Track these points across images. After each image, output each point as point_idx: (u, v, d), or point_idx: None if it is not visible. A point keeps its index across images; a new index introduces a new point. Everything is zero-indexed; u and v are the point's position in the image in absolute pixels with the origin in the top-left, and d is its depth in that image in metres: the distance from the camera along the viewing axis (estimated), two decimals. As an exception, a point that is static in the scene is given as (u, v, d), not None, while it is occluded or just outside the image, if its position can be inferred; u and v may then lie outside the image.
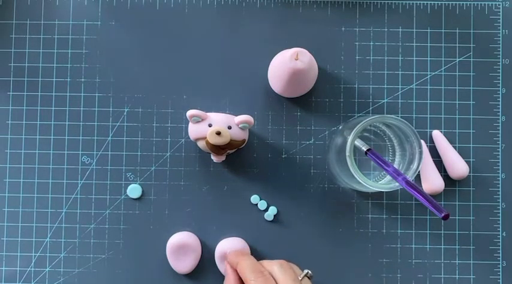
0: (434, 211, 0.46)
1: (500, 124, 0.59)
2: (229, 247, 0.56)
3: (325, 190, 0.59)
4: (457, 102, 0.59)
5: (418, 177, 0.58)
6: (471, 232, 0.58)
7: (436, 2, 0.60)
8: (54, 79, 0.59)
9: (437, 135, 0.58)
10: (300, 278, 0.49)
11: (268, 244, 0.58)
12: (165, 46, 0.59)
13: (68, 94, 0.59)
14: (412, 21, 0.59)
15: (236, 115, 0.54)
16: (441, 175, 0.58)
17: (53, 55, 0.59)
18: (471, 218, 0.58)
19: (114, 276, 0.58)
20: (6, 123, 0.59)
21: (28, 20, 0.59)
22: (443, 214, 0.45)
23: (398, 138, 0.54)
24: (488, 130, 0.59)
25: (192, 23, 0.59)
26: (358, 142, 0.52)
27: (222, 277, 0.57)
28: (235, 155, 0.58)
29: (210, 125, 0.54)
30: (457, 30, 0.59)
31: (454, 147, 0.58)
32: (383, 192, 0.58)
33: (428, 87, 0.59)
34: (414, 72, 0.59)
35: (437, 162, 0.58)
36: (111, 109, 0.59)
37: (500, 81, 0.59)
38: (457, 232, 0.58)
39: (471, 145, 0.59)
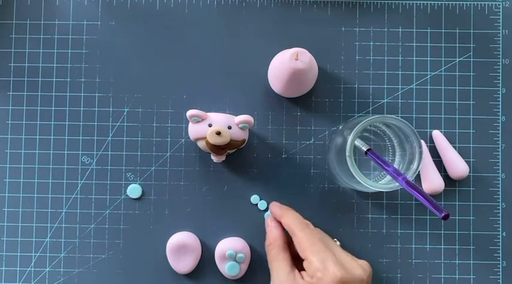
0: (434, 211, 0.46)
1: (500, 124, 0.59)
2: (229, 247, 0.56)
3: (325, 190, 0.59)
4: (457, 102, 0.59)
5: (418, 177, 0.58)
6: (471, 232, 0.58)
7: (436, 2, 0.60)
8: (54, 79, 0.59)
9: (437, 135, 0.58)
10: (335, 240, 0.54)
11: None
12: (165, 46, 0.59)
13: (68, 94, 0.59)
14: (412, 21, 0.59)
15: (236, 115, 0.54)
16: (441, 175, 0.58)
17: (53, 55, 0.59)
18: (471, 218, 0.58)
19: (114, 276, 0.58)
20: (6, 123, 0.59)
21: (28, 20, 0.59)
22: (443, 214, 0.45)
23: (398, 138, 0.54)
24: (488, 130, 0.59)
25: (192, 23, 0.59)
26: (358, 142, 0.52)
27: (222, 277, 0.57)
28: (235, 155, 0.58)
29: (210, 125, 0.54)
30: (457, 30, 0.59)
31: (454, 147, 0.58)
32: (383, 192, 0.58)
33: (428, 87, 0.59)
34: (414, 72, 0.59)
35: (437, 162, 0.58)
36: (111, 109, 0.59)
37: (500, 81, 0.59)
38: (457, 232, 0.58)
39: (471, 145, 0.59)
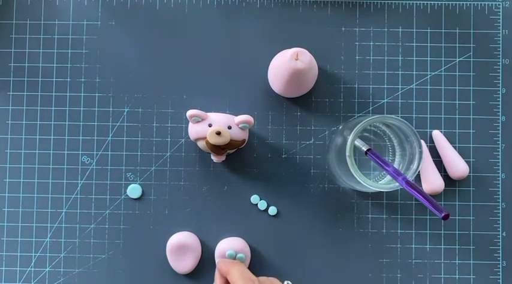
0: (434, 211, 0.46)
1: (500, 124, 0.59)
2: (229, 247, 0.56)
3: (325, 190, 0.59)
4: (457, 102, 0.59)
5: (418, 177, 0.58)
6: (471, 232, 0.58)
7: (436, 2, 0.60)
8: (54, 79, 0.59)
9: (437, 135, 0.58)
10: None
11: (268, 244, 0.58)
12: (165, 46, 0.59)
13: (68, 94, 0.59)
14: (412, 21, 0.59)
15: (236, 115, 0.54)
16: (441, 175, 0.58)
17: (53, 55, 0.59)
18: (471, 218, 0.58)
19: (114, 276, 0.58)
20: (6, 123, 0.59)
21: (28, 20, 0.59)
22: (443, 214, 0.45)
23: (398, 138, 0.54)
24: (488, 130, 0.59)
25: (192, 23, 0.59)
26: (358, 142, 0.52)
27: (222, 277, 0.57)
28: (235, 155, 0.58)
29: (210, 125, 0.54)
30: (457, 30, 0.59)
31: (454, 147, 0.58)
32: (383, 192, 0.58)
33: (428, 87, 0.59)
34: (414, 72, 0.59)
35: (437, 162, 0.58)
36: (111, 109, 0.59)
37: (500, 81, 0.59)
38: (457, 232, 0.58)
39: (471, 145, 0.59)
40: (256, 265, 0.58)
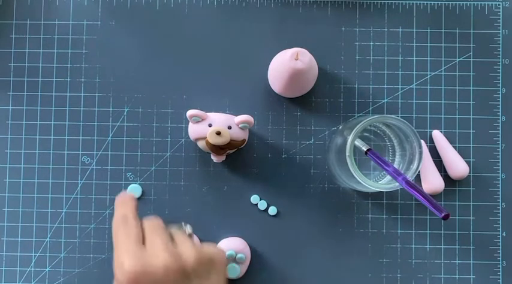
0: (434, 211, 0.46)
1: (500, 124, 0.59)
2: (229, 247, 0.56)
3: (325, 190, 0.59)
4: (457, 102, 0.59)
5: (418, 177, 0.58)
6: (471, 232, 0.58)
7: (436, 2, 0.60)
8: (54, 79, 0.59)
9: (437, 135, 0.58)
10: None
11: (268, 244, 0.58)
12: (165, 46, 0.59)
13: (68, 94, 0.59)
14: (412, 21, 0.59)
15: (236, 115, 0.54)
16: (441, 175, 0.58)
17: (53, 55, 0.59)
18: (471, 218, 0.58)
19: (114, 276, 0.58)
20: (6, 123, 0.59)
21: (28, 20, 0.59)
22: (443, 214, 0.45)
23: (398, 138, 0.54)
24: (488, 130, 0.59)
25: (192, 23, 0.59)
26: (358, 142, 0.52)
27: (222, 277, 0.57)
28: (235, 155, 0.58)
29: (210, 125, 0.54)
30: (457, 30, 0.59)
31: (454, 147, 0.58)
32: (383, 192, 0.58)
33: (428, 87, 0.59)
34: (414, 72, 0.59)
35: (437, 162, 0.58)
36: (111, 109, 0.59)
37: (500, 81, 0.59)
38: (457, 232, 0.58)
39: (471, 145, 0.59)
40: (256, 265, 0.58)
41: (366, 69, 0.59)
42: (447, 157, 0.58)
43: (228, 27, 0.59)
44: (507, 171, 0.58)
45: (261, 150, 0.59)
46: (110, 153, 0.59)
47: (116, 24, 0.60)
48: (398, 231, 0.58)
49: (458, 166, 0.57)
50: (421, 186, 0.57)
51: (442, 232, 0.58)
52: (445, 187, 0.58)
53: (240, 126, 0.54)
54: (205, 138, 0.53)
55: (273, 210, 0.58)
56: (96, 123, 0.59)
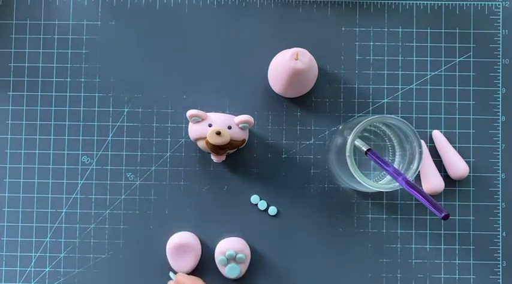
0: (434, 211, 0.46)
1: (500, 124, 0.59)
2: (229, 247, 0.56)
3: (325, 190, 0.59)
4: (457, 102, 0.59)
5: (418, 177, 0.58)
6: (471, 232, 0.58)
7: (436, 2, 0.60)
8: (54, 79, 0.59)
9: (437, 135, 0.58)
10: None
11: (268, 244, 0.58)
12: (165, 46, 0.59)
13: (68, 94, 0.59)
14: (412, 21, 0.59)
15: (236, 115, 0.54)
16: (441, 175, 0.58)
17: (53, 55, 0.59)
18: (471, 218, 0.58)
19: (114, 276, 0.58)
20: (6, 123, 0.59)
21: (28, 20, 0.59)
22: (443, 214, 0.45)
23: (398, 138, 0.54)
24: (488, 130, 0.59)
25: (192, 23, 0.59)
26: (358, 142, 0.52)
27: (222, 277, 0.57)
28: (235, 155, 0.58)
29: (210, 125, 0.54)
30: (457, 30, 0.59)
31: (454, 147, 0.58)
32: (383, 192, 0.58)
33: (428, 87, 0.59)
34: (414, 72, 0.59)
35: (437, 162, 0.58)
36: (111, 109, 0.59)
37: (500, 81, 0.59)
38: (457, 232, 0.58)
39: (471, 145, 0.59)
40: (256, 265, 0.58)
41: (366, 69, 0.59)
42: (447, 157, 0.58)
43: (228, 27, 0.59)
44: (507, 171, 0.59)
45: (261, 150, 0.59)
46: (110, 153, 0.59)
47: (116, 24, 0.60)
48: (398, 231, 0.58)
49: (458, 166, 0.57)
50: (421, 186, 0.57)
51: (442, 232, 0.58)
52: (445, 187, 0.58)
53: (240, 126, 0.54)
54: (205, 138, 0.53)
55: (273, 210, 0.58)
56: (96, 123, 0.59)
